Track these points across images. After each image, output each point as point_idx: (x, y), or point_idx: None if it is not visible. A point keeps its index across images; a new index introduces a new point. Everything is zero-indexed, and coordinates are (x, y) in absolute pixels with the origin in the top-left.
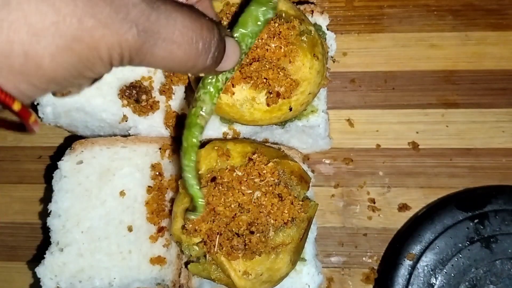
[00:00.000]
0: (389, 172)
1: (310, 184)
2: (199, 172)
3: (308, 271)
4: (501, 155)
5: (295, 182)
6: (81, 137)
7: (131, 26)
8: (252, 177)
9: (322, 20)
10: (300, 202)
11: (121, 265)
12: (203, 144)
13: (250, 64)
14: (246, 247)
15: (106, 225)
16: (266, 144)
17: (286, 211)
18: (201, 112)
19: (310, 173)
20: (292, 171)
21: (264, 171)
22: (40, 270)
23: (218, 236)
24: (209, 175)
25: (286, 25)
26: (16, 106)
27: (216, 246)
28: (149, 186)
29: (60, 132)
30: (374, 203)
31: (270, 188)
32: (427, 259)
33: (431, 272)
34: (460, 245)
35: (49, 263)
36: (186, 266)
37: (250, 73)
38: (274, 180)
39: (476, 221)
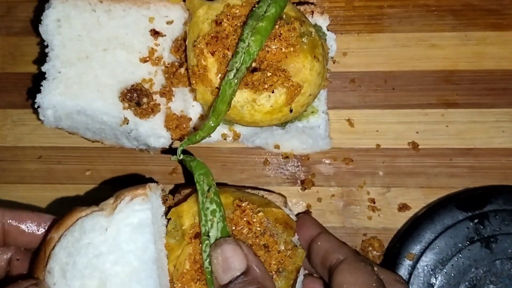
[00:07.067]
0: (389, 172)
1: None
2: (183, 228)
3: None
4: (501, 155)
5: (280, 230)
6: None
7: None
8: (239, 228)
9: (322, 21)
10: (289, 252)
11: None
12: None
13: (252, 73)
14: None
15: None
16: (247, 191)
17: (273, 262)
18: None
19: (293, 217)
20: (276, 219)
21: (254, 220)
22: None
23: None
24: (192, 231)
25: (287, 26)
26: None
27: None
28: None
29: (60, 132)
30: (374, 203)
31: (257, 240)
32: (427, 259)
33: (431, 272)
34: (460, 245)
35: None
36: None
37: (252, 82)
38: (260, 230)
39: (476, 221)
